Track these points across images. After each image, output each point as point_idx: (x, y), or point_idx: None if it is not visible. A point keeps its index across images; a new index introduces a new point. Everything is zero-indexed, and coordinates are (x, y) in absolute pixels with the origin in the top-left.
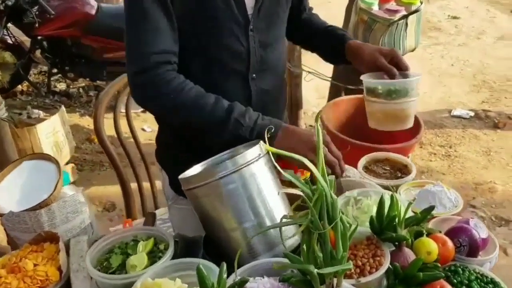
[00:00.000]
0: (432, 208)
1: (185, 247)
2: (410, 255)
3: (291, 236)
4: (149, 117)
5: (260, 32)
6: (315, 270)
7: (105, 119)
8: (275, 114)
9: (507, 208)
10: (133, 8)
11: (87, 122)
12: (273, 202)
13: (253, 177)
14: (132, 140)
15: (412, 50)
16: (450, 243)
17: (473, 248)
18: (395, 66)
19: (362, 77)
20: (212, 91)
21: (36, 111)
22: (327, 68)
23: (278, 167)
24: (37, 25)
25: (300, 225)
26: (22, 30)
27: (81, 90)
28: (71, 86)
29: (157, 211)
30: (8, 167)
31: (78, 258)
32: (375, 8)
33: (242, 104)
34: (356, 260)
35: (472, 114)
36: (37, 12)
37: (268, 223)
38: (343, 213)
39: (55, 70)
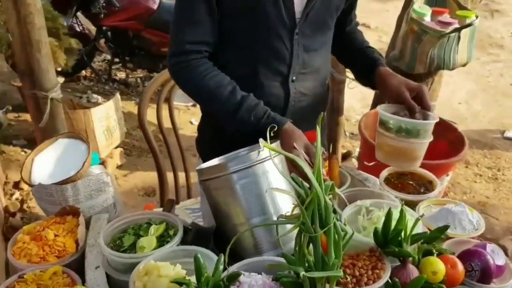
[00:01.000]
0: (446, 228)
1: (197, 236)
2: (414, 272)
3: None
4: (197, 111)
5: (305, 37)
6: (303, 273)
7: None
8: (312, 117)
9: None
10: (182, 1)
11: None
12: (282, 202)
13: (265, 175)
14: (181, 131)
15: (464, 65)
16: (460, 266)
17: (485, 274)
18: (419, 103)
19: (379, 107)
20: (253, 87)
21: (95, 96)
22: None
23: (278, 167)
24: (102, 15)
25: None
26: (90, 20)
27: (138, 80)
28: (130, 76)
29: (188, 201)
30: (45, 142)
31: (96, 234)
32: (427, 19)
33: (280, 103)
34: (354, 270)
35: None
36: (104, 4)
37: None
38: (338, 219)
39: (116, 60)
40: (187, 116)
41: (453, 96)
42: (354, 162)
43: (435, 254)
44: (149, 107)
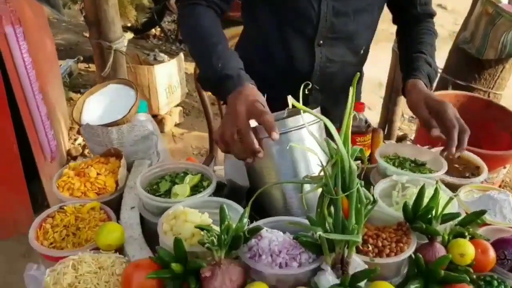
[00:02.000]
0: (482, 212)
1: (231, 193)
2: (440, 251)
3: None
4: None
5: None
6: (320, 233)
7: None
8: (339, 86)
9: None
10: None
11: None
12: (316, 169)
13: (301, 141)
14: None
15: None
16: (492, 253)
17: None
18: (440, 120)
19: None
20: (278, 47)
21: (162, 55)
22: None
23: (315, 136)
24: None
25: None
26: None
27: None
28: None
29: None
30: (97, 86)
31: (135, 178)
32: (504, 1)
33: (305, 68)
34: (377, 240)
35: None
36: None
37: (308, 187)
38: (361, 185)
39: None
40: None
41: None
42: None
43: (467, 238)
44: None
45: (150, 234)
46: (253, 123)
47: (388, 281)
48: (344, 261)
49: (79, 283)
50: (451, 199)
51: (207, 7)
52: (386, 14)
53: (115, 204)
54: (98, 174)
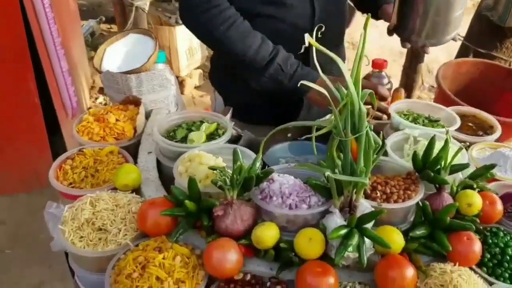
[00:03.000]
0: (492, 166)
1: (248, 144)
2: (448, 201)
3: None
4: None
5: None
6: (327, 173)
7: None
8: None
9: None
10: None
11: None
12: None
13: None
14: None
15: None
16: (499, 205)
17: None
18: None
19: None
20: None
21: None
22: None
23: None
24: None
25: None
26: None
27: None
28: None
29: None
30: (117, 36)
31: (153, 125)
32: None
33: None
34: (386, 187)
35: None
36: None
37: None
38: (370, 129)
39: None
40: None
41: None
42: None
43: (476, 190)
44: None
45: (166, 179)
46: None
47: (395, 227)
48: (352, 204)
49: (96, 219)
50: (460, 149)
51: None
52: None
53: (133, 150)
54: (117, 120)
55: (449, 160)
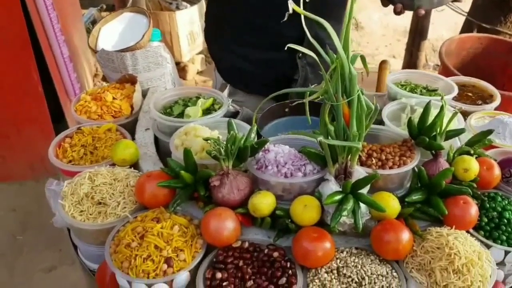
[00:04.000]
0: (489, 132)
1: (246, 120)
2: (444, 166)
3: None
4: None
5: None
6: (320, 138)
7: None
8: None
9: None
10: None
11: None
12: None
13: None
14: None
15: None
16: (497, 170)
17: None
18: None
19: None
20: None
21: (184, 3)
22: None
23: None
24: None
25: None
26: None
27: None
28: None
29: None
30: (112, 15)
31: (150, 102)
32: None
33: None
34: (381, 154)
35: None
36: None
37: None
38: (362, 93)
39: None
40: None
41: None
42: None
43: (474, 156)
44: None
45: (164, 154)
46: None
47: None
48: (347, 171)
49: (95, 193)
50: (455, 113)
51: None
52: None
53: (130, 127)
54: (114, 98)
55: (444, 125)
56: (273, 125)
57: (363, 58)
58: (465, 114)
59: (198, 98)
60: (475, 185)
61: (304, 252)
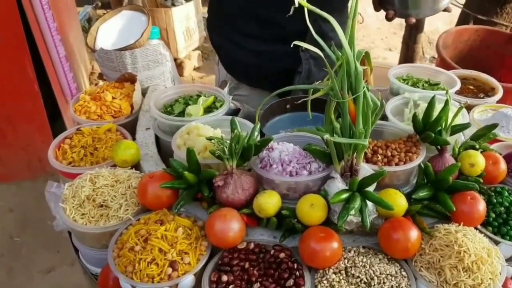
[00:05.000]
0: (494, 126)
1: (247, 117)
2: (450, 161)
3: None
4: None
5: None
6: (326, 136)
7: None
8: None
9: None
10: None
11: None
12: None
13: None
14: None
15: None
16: (503, 164)
17: None
18: None
19: None
20: None
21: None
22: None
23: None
24: None
25: None
26: None
27: None
28: None
29: None
30: (110, 13)
31: (150, 101)
32: None
33: None
34: (387, 150)
35: None
36: None
37: None
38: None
39: None
40: None
41: None
42: None
43: (479, 151)
44: None
45: (165, 154)
46: None
47: (398, 190)
48: (353, 168)
49: (96, 195)
50: (460, 108)
51: None
52: None
53: (130, 127)
54: (113, 98)
55: (449, 120)
56: (274, 121)
57: (367, 55)
58: (468, 108)
59: (199, 96)
60: (481, 180)
61: (311, 253)
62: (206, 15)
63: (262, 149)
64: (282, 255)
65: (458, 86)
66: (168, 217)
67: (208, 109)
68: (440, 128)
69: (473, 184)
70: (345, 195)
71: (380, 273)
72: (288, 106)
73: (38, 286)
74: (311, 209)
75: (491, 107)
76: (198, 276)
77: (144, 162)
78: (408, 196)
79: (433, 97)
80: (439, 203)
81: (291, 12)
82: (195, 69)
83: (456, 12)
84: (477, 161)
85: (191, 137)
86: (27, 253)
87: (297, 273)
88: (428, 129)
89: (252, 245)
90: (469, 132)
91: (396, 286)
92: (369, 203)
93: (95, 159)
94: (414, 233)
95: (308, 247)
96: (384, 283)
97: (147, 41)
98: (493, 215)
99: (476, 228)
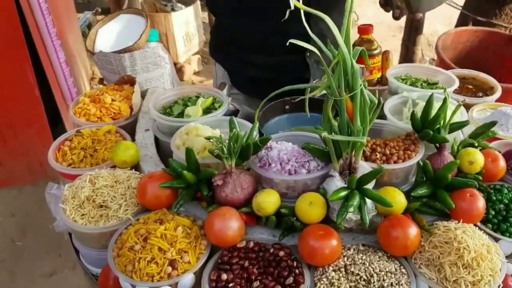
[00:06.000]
0: (493, 123)
1: (246, 118)
2: (449, 159)
3: None
4: None
5: None
6: (324, 134)
7: None
8: None
9: None
10: None
11: None
12: None
13: None
14: None
15: None
16: (502, 162)
17: None
18: None
19: None
20: None
21: (179, 5)
22: None
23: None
24: None
25: None
26: None
27: None
28: None
29: None
30: (109, 16)
31: (149, 102)
32: None
33: None
34: (385, 149)
35: None
36: None
37: None
38: (365, 87)
39: None
40: None
41: None
42: None
43: (478, 149)
44: None
45: (165, 155)
46: None
47: (397, 188)
48: (351, 166)
49: (96, 196)
50: (459, 106)
51: None
52: None
53: (130, 129)
54: (112, 100)
55: (448, 118)
56: (273, 122)
57: (364, 52)
58: (467, 107)
59: (197, 97)
60: (480, 178)
61: (311, 250)
62: (206, 20)
63: (260, 148)
64: (281, 253)
65: (456, 85)
66: (168, 216)
67: (207, 110)
68: (438, 126)
69: (472, 181)
70: (343, 193)
71: (379, 271)
72: (286, 107)
73: None
74: (310, 208)
75: (490, 106)
76: (198, 275)
77: (143, 163)
78: (407, 195)
79: (431, 95)
80: (438, 200)
81: (286, 16)
82: (195, 73)
83: (455, 14)
84: (476, 158)
85: (190, 137)
86: (29, 258)
87: (297, 271)
88: (426, 127)
89: (251, 244)
90: (468, 130)
91: (396, 283)
92: (368, 201)
93: (94, 161)
94: (413, 231)
95: (308, 245)
96: (383, 280)
97: (145, 43)
98: (493, 212)
99: (475, 225)
